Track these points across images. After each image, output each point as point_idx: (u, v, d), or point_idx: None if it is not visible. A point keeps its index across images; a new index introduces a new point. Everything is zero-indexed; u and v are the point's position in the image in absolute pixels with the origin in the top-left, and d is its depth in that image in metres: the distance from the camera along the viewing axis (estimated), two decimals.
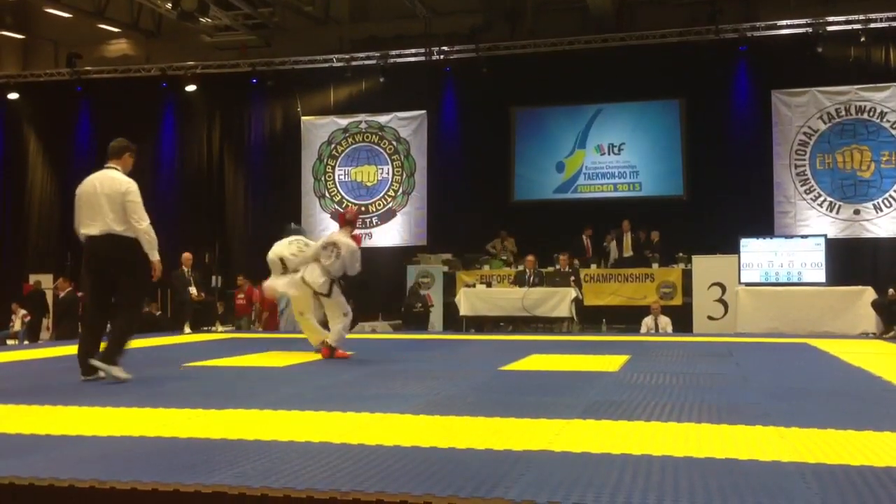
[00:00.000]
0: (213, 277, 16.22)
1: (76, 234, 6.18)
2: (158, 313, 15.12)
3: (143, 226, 6.03)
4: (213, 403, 4.84)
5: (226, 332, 13.30)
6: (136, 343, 10.20)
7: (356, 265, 7.82)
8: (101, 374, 5.90)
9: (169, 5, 16.10)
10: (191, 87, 18.46)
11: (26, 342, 14.61)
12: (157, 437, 3.88)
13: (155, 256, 6.12)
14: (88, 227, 6.03)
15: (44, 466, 3.25)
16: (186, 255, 13.40)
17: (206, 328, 13.05)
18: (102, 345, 6.09)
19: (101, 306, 6.26)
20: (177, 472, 3.12)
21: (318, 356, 7.88)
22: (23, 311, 16.25)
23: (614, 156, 16.94)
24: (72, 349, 9.22)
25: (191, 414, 4.54)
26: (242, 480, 3.00)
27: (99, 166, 6.40)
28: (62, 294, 15.00)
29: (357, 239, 8.05)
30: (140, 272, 6.16)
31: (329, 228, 18.31)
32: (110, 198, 6.01)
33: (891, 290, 11.17)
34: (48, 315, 16.05)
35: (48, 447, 3.70)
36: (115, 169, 6.25)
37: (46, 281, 16.82)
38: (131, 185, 6.15)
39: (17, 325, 16.55)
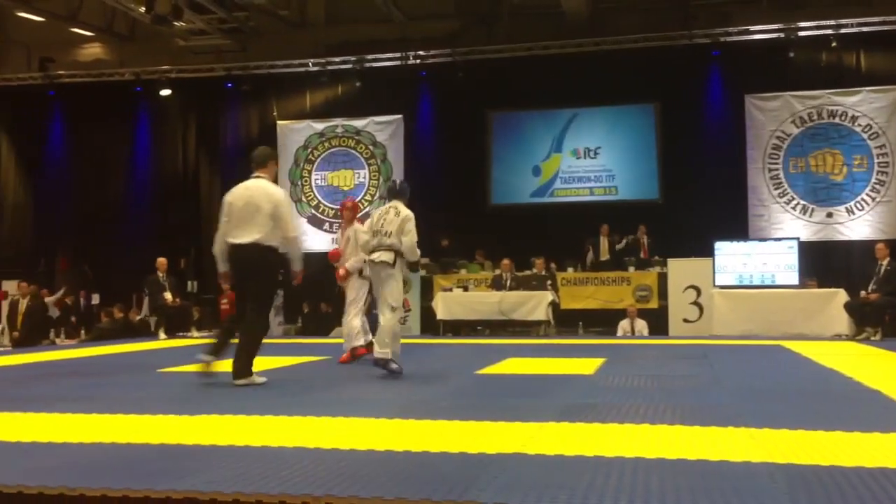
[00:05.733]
0: (189, 283, 16.12)
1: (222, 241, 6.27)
2: (139, 318, 14.97)
3: (291, 236, 6.27)
4: (187, 409, 4.81)
5: (201, 337, 13.20)
6: (110, 349, 10.15)
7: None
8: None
9: (143, 9, 15.96)
10: (165, 92, 18.33)
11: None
12: (128, 443, 3.85)
13: (299, 266, 6.30)
14: (242, 233, 6.12)
15: (13, 473, 3.21)
16: (161, 261, 13.30)
17: (181, 334, 12.95)
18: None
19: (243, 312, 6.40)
20: (148, 479, 3.09)
21: (294, 361, 7.92)
22: None
23: (590, 160, 17.03)
24: (40, 356, 9.14)
25: (164, 420, 4.51)
26: (214, 486, 2.98)
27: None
28: (26, 301, 14.73)
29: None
30: (272, 280, 6.34)
31: (305, 233, 18.32)
32: (263, 208, 6.09)
33: (862, 293, 11.30)
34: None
35: (18, 454, 3.66)
36: (264, 178, 6.32)
37: (13, 287, 16.62)
38: (284, 196, 6.35)
39: None
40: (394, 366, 6.44)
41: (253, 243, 6.06)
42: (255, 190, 6.18)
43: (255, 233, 6.06)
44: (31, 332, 14.33)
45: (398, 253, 6.59)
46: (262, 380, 6.11)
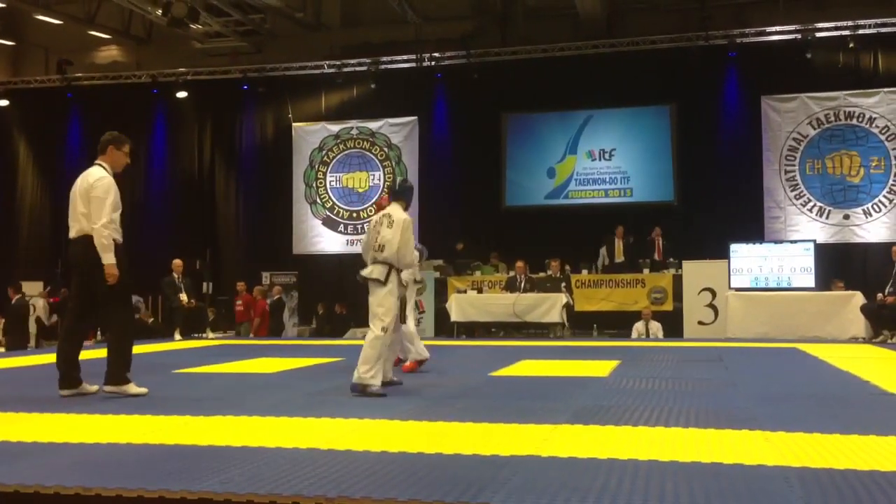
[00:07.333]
0: (204, 284, 16.19)
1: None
2: (151, 320, 15.06)
3: (96, 225, 5.47)
4: (202, 410, 4.84)
5: (216, 338, 13.27)
6: None
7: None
8: (87, 388, 5.66)
9: (159, 12, 16.07)
10: (182, 94, 18.44)
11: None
12: (144, 443, 3.88)
13: (107, 260, 5.47)
14: (70, 228, 5.63)
15: (30, 473, 3.24)
16: (177, 262, 13.37)
17: (196, 335, 13.02)
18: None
19: (82, 314, 5.84)
20: (163, 479, 3.11)
21: (307, 363, 7.92)
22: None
23: (605, 161, 16.98)
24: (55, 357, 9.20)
25: (179, 421, 4.53)
26: (228, 487, 3.00)
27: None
28: (13, 301, 14.82)
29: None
30: (122, 277, 5.59)
31: (320, 235, 18.38)
32: (82, 196, 5.55)
33: (879, 295, 11.21)
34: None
35: (34, 454, 3.69)
36: (100, 165, 5.72)
37: (36, 288, 16.74)
38: (100, 181, 5.56)
39: None
40: (374, 389, 5.61)
41: (79, 237, 5.55)
42: (80, 178, 5.65)
43: (76, 224, 5.57)
44: (6, 335, 14.49)
45: (392, 268, 5.92)
46: (138, 390, 5.54)
